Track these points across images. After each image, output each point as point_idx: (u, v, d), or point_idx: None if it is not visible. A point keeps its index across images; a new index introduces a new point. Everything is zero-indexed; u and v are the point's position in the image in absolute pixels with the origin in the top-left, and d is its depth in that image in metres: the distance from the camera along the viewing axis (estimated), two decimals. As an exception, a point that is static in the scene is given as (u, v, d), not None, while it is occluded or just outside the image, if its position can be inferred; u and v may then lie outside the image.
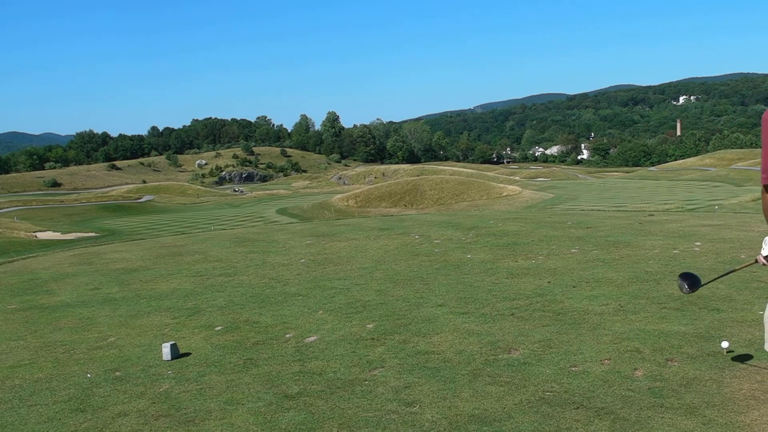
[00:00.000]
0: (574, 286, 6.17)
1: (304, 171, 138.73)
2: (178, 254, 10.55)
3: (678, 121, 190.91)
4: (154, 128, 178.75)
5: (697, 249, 7.86)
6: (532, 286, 6.36)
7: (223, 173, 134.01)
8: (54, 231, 45.86)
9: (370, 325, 5.27)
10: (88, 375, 4.53)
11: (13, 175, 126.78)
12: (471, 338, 4.74)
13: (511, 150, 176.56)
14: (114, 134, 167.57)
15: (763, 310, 4.98)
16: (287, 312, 5.95)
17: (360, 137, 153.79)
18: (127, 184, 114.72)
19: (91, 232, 45.50)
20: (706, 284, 3.80)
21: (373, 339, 4.89)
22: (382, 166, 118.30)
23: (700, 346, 4.24)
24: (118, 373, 4.52)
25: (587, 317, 5.11)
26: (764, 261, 2.98)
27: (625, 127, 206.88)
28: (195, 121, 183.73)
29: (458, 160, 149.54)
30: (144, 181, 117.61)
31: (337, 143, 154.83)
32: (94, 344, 5.36)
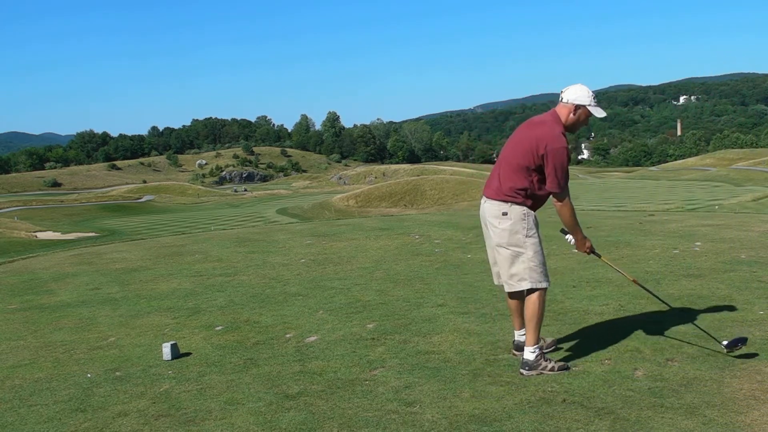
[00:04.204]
0: (574, 286, 6.18)
1: (305, 171, 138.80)
2: (179, 254, 10.55)
3: (678, 121, 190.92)
4: (154, 128, 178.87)
5: (697, 249, 7.87)
6: (532, 286, 6.35)
7: (224, 173, 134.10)
8: (54, 231, 45.92)
9: (371, 325, 5.28)
10: (88, 375, 4.53)
11: (14, 175, 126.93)
12: (471, 338, 4.74)
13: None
14: (114, 134, 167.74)
15: (764, 310, 4.98)
16: (287, 312, 5.96)
17: (360, 137, 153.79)
18: (127, 184, 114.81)
19: (92, 232, 45.55)
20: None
21: (373, 339, 4.89)
22: (383, 166, 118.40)
23: (700, 346, 4.24)
24: (118, 373, 4.52)
25: (587, 317, 5.11)
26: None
27: (626, 127, 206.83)
28: (195, 121, 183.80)
29: (458, 160, 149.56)
30: (144, 181, 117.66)
31: (338, 143, 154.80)
32: (94, 344, 5.37)
